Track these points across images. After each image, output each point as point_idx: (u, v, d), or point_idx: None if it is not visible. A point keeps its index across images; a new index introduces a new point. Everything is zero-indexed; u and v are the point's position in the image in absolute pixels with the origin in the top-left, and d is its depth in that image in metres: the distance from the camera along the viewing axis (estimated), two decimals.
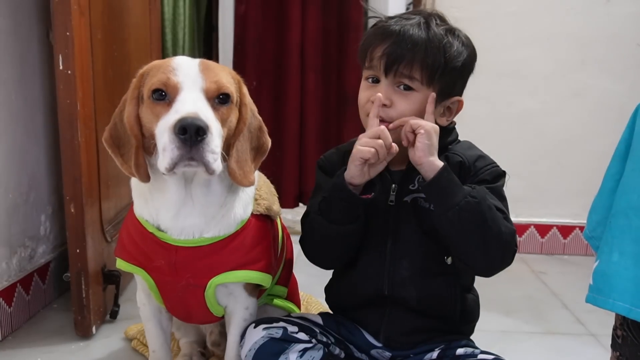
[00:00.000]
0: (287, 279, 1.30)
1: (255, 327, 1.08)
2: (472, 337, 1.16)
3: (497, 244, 0.99)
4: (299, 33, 2.58)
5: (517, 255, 1.04)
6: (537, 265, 2.24)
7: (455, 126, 1.13)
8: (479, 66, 1.11)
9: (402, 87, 1.03)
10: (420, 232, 1.08)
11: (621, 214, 0.93)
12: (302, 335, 1.06)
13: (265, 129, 1.08)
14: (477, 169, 1.06)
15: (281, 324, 1.07)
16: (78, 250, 1.44)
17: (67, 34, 1.33)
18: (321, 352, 1.06)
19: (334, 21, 2.62)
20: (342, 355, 1.13)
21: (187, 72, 0.94)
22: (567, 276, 2.13)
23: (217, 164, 0.91)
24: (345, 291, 1.15)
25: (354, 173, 1.01)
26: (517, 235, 1.04)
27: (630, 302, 0.89)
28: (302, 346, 1.05)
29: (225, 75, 0.99)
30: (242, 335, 1.10)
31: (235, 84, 1.01)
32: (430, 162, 0.98)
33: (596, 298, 0.95)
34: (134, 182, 1.06)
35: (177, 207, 1.01)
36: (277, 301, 1.25)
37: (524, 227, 2.37)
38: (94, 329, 1.49)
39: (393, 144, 0.99)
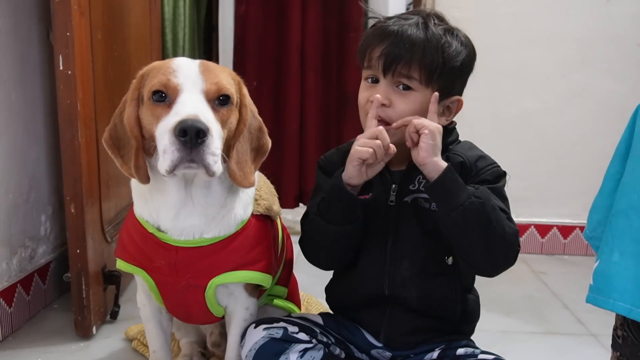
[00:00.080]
0: (287, 279, 1.30)
1: (255, 327, 1.08)
2: (472, 337, 1.16)
3: (501, 245, 0.99)
4: (299, 33, 2.58)
5: None
6: (537, 265, 2.24)
7: (456, 126, 1.14)
8: (479, 66, 1.11)
9: (401, 87, 1.04)
10: (421, 232, 1.08)
11: (621, 213, 0.93)
12: (302, 336, 1.06)
13: (265, 129, 1.08)
14: (478, 169, 1.06)
15: (281, 324, 1.07)
16: (78, 251, 1.44)
17: (68, 34, 1.33)
18: (321, 352, 1.06)
19: (334, 21, 2.62)
20: (343, 355, 1.13)
21: (187, 73, 0.94)
22: (567, 276, 2.13)
23: (218, 166, 0.91)
24: (346, 291, 1.15)
25: (352, 173, 1.01)
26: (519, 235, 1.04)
27: (630, 302, 0.89)
28: (302, 346, 1.05)
29: (226, 77, 0.99)
30: (243, 336, 1.10)
31: (235, 85, 1.01)
32: (434, 162, 0.98)
33: (596, 298, 0.95)
34: (134, 182, 1.06)
35: (177, 208, 1.01)
36: (277, 301, 1.25)
37: (524, 227, 2.37)
38: (94, 329, 1.49)
39: (391, 144, 0.99)
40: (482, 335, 1.19)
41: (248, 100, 1.04)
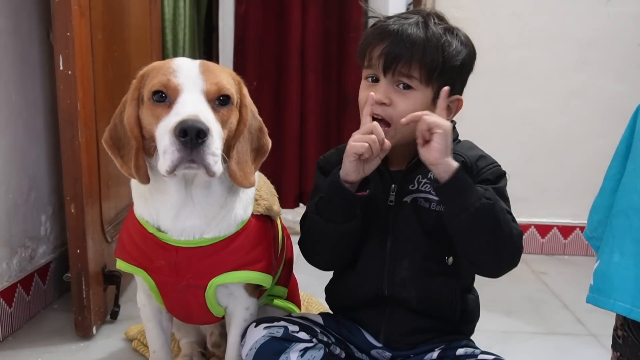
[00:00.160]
0: (287, 279, 1.30)
1: (256, 326, 1.08)
2: (472, 338, 1.16)
3: (508, 246, 1.00)
4: (299, 33, 2.58)
5: None
6: (537, 265, 2.24)
7: (456, 126, 1.13)
8: (479, 66, 1.11)
9: (401, 86, 1.04)
10: (421, 232, 1.08)
11: (622, 214, 0.93)
12: (303, 335, 1.06)
13: (265, 129, 1.08)
14: (479, 169, 1.06)
15: (282, 323, 1.07)
16: (78, 251, 1.44)
17: (68, 34, 1.33)
18: (322, 351, 1.06)
19: (335, 21, 2.62)
20: (343, 355, 1.13)
21: (187, 73, 0.94)
22: (567, 276, 2.13)
23: (218, 166, 0.91)
24: (346, 291, 1.15)
25: (349, 169, 1.00)
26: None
27: (631, 302, 0.89)
28: (303, 345, 1.05)
29: (226, 77, 0.99)
30: (243, 335, 1.10)
31: (235, 85, 1.01)
32: (446, 162, 0.96)
33: (597, 298, 0.94)
34: (134, 183, 1.06)
35: (178, 208, 1.01)
36: (277, 301, 1.25)
37: (525, 228, 2.37)
38: (94, 329, 1.49)
39: (386, 140, 0.99)
40: (482, 336, 1.19)
41: (248, 100, 1.04)
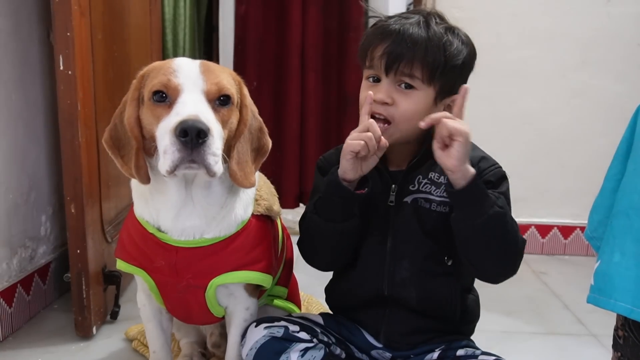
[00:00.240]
0: (287, 280, 1.30)
1: (256, 326, 1.08)
2: (472, 338, 1.16)
3: (513, 254, 1.00)
4: (299, 33, 2.57)
5: None
6: (537, 265, 2.24)
7: None
8: (480, 66, 1.11)
9: (403, 85, 1.03)
10: (421, 232, 1.08)
11: (622, 214, 0.93)
12: (303, 335, 1.06)
13: (265, 129, 1.08)
14: (480, 170, 1.06)
15: (282, 323, 1.07)
16: (78, 251, 1.44)
17: (68, 34, 1.33)
18: (322, 351, 1.06)
19: (335, 21, 2.62)
20: (343, 355, 1.13)
21: (187, 73, 0.94)
22: (567, 276, 2.13)
23: (218, 166, 0.91)
24: (346, 292, 1.15)
25: (346, 167, 1.01)
26: None
27: (631, 302, 0.89)
28: (303, 345, 1.05)
29: (226, 77, 0.99)
30: (243, 335, 1.10)
31: (235, 85, 1.01)
32: (464, 169, 0.95)
33: (597, 298, 0.94)
34: (134, 183, 1.06)
35: (178, 208, 1.01)
36: (277, 302, 1.25)
37: (525, 228, 2.37)
38: (94, 329, 1.49)
39: (383, 137, 0.99)
40: (483, 336, 1.19)
41: (248, 100, 1.04)
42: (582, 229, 2.22)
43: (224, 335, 1.28)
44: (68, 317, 1.53)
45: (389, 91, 1.03)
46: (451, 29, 1.05)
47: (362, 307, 1.13)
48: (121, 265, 1.09)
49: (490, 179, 1.05)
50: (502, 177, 1.06)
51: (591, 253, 2.32)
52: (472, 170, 0.96)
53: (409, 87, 1.03)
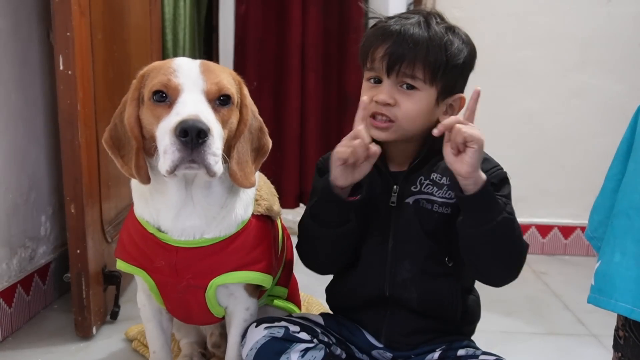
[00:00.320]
0: (287, 280, 1.29)
1: (256, 326, 1.08)
2: (473, 338, 1.16)
3: (518, 259, 1.01)
4: (299, 33, 2.57)
5: None
6: (538, 265, 2.24)
7: None
8: (480, 66, 1.11)
9: (404, 86, 1.03)
10: (422, 233, 1.07)
11: (623, 214, 0.93)
12: (303, 335, 1.06)
13: (265, 129, 1.08)
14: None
15: (283, 323, 1.07)
16: (78, 251, 1.44)
17: (68, 34, 1.33)
18: (322, 352, 1.06)
19: (335, 22, 2.62)
20: (344, 355, 1.13)
21: (187, 73, 0.94)
22: (568, 277, 2.13)
23: (218, 166, 0.91)
24: (346, 292, 1.15)
25: (336, 175, 1.00)
26: None
27: (632, 302, 0.89)
28: (303, 346, 1.04)
29: (226, 77, 0.98)
30: (243, 336, 1.10)
31: (236, 85, 1.01)
32: (476, 176, 0.95)
33: (598, 299, 0.94)
34: (134, 183, 1.06)
35: (178, 208, 1.01)
36: (277, 302, 1.25)
37: (525, 228, 2.37)
38: (94, 329, 1.49)
39: (372, 145, 0.98)
40: (483, 336, 1.19)
41: (249, 100, 1.04)
42: (583, 229, 2.22)
43: (224, 336, 1.28)
44: (68, 317, 1.53)
45: (391, 92, 1.03)
46: (451, 29, 1.05)
47: (363, 308, 1.13)
48: (121, 266, 1.09)
49: (492, 181, 1.04)
50: (504, 179, 1.06)
51: (591, 253, 2.32)
52: (484, 177, 0.95)
53: (411, 87, 1.03)
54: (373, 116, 1.05)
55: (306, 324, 1.11)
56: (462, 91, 1.09)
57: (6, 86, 1.48)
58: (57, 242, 1.75)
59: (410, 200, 1.08)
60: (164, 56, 2.44)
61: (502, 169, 1.07)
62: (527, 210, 2.34)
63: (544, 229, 2.39)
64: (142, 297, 1.15)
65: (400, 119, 1.03)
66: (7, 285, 1.48)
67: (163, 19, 2.54)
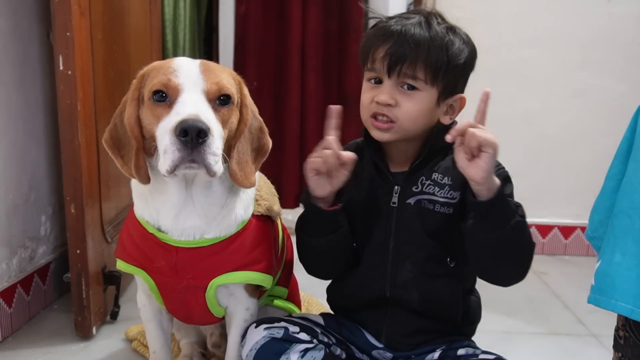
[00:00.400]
0: (287, 280, 1.29)
1: (256, 327, 1.08)
2: (473, 338, 1.16)
3: (528, 261, 1.01)
4: (299, 33, 2.57)
5: None
6: (538, 265, 2.23)
7: None
8: (480, 66, 1.11)
9: (405, 87, 1.03)
10: (424, 233, 1.07)
11: (623, 214, 0.93)
12: (303, 336, 1.06)
13: (266, 129, 1.08)
14: None
15: (282, 324, 1.07)
16: (78, 251, 1.44)
17: (68, 34, 1.33)
18: (322, 352, 1.06)
19: (335, 22, 2.62)
20: (344, 356, 1.13)
21: (187, 73, 0.94)
22: (568, 277, 2.13)
23: (219, 166, 0.91)
24: (347, 292, 1.15)
25: (312, 185, 1.03)
26: None
27: (632, 302, 0.89)
28: (303, 346, 1.04)
29: (226, 76, 0.98)
30: (243, 336, 1.10)
31: (236, 85, 1.01)
32: (490, 182, 0.94)
33: (598, 299, 0.94)
34: (134, 183, 1.06)
35: (178, 208, 1.01)
36: (277, 302, 1.25)
37: None
38: (94, 329, 1.49)
39: (342, 152, 0.99)
40: (483, 336, 1.19)
41: (249, 100, 1.04)
42: (583, 229, 2.21)
43: (224, 336, 1.28)
44: (68, 318, 1.53)
45: (392, 92, 1.03)
46: (452, 29, 1.05)
47: (364, 308, 1.13)
48: (121, 266, 1.09)
49: None
50: (506, 179, 1.06)
51: (592, 253, 2.32)
52: (498, 182, 0.95)
53: (412, 88, 1.03)
54: (374, 117, 1.05)
55: (306, 324, 1.11)
56: (462, 91, 1.09)
57: (6, 86, 1.48)
58: (57, 242, 1.75)
59: (411, 200, 1.08)
60: (164, 56, 2.44)
61: (504, 168, 1.07)
62: (527, 210, 2.28)
63: (544, 229, 2.39)
64: (142, 297, 1.15)
65: (401, 119, 1.02)
66: (7, 285, 1.48)
67: (163, 19, 2.54)
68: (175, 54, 2.73)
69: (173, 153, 0.88)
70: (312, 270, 1.15)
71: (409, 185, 1.08)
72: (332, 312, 1.22)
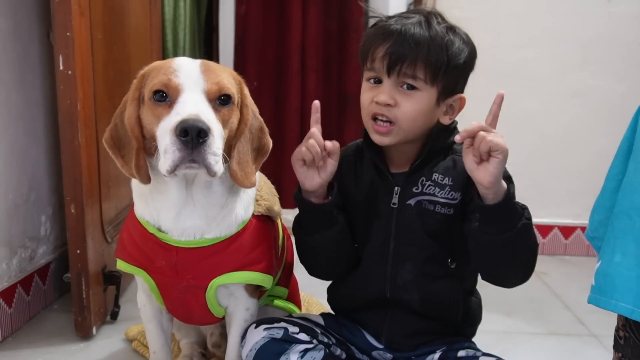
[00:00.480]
0: (287, 280, 1.29)
1: (256, 327, 1.08)
2: (473, 338, 1.16)
3: (533, 263, 1.02)
4: (299, 33, 2.57)
5: None
6: (538, 265, 2.17)
7: (457, 126, 1.13)
8: (480, 66, 1.11)
9: (405, 86, 1.02)
10: (424, 234, 1.07)
11: (623, 214, 0.93)
12: (303, 336, 1.06)
13: (266, 129, 1.08)
14: None
15: (282, 324, 1.07)
16: (78, 251, 1.44)
17: (68, 34, 1.33)
18: (322, 352, 1.06)
19: (335, 22, 2.62)
20: (344, 356, 1.13)
21: (188, 73, 0.94)
22: (568, 277, 2.13)
23: (219, 166, 0.91)
24: (348, 293, 1.15)
25: (300, 177, 1.04)
26: None
27: (632, 302, 0.89)
28: (303, 347, 1.04)
29: (227, 76, 0.98)
30: (243, 336, 1.10)
31: (236, 85, 1.01)
32: (499, 186, 0.94)
33: (598, 299, 0.94)
34: (135, 182, 1.06)
35: (178, 208, 1.01)
36: (277, 302, 1.25)
37: None
38: (94, 329, 1.48)
39: (327, 142, 1.01)
40: (484, 336, 1.19)
41: (249, 100, 1.04)
42: (583, 229, 2.20)
43: (224, 336, 1.28)
44: (68, 318, 1.53)
45: (391, 92, 1.03)
46: (452, 29, 1.05)
47: (364, 309, 1.13)
48: (121, 266, 1.09)
49: None
50: (508, 179, 1.05)
51: (592, 253, 2.32)
52: (505, 186, 0.94)
53: (411, 87, 1.02)
54: (374, 119, 1.05)
55: (306, 324, 1.11)
56: (462, 91, 1.09)
57: (6, 86, 1.48)
58: (57, 242, 1.75)
59: (412, 201, 1.08)
60: (164, 56, 2.44)
61: (505, 168, 1.07)
62: None
63: (544, 229, 2.39)
64: (143, 297, 1.15)
65: (400, 119, 1.02)
66: (7, 285, 1.48)
67: (163, 19, 2.54)
68: (175, 54, 2.73)
69: (173, 153, 0.88)
70: (312, 269, 1.15)
71: (409, 186, 1.08)
72: (332, 312, 1.22)
